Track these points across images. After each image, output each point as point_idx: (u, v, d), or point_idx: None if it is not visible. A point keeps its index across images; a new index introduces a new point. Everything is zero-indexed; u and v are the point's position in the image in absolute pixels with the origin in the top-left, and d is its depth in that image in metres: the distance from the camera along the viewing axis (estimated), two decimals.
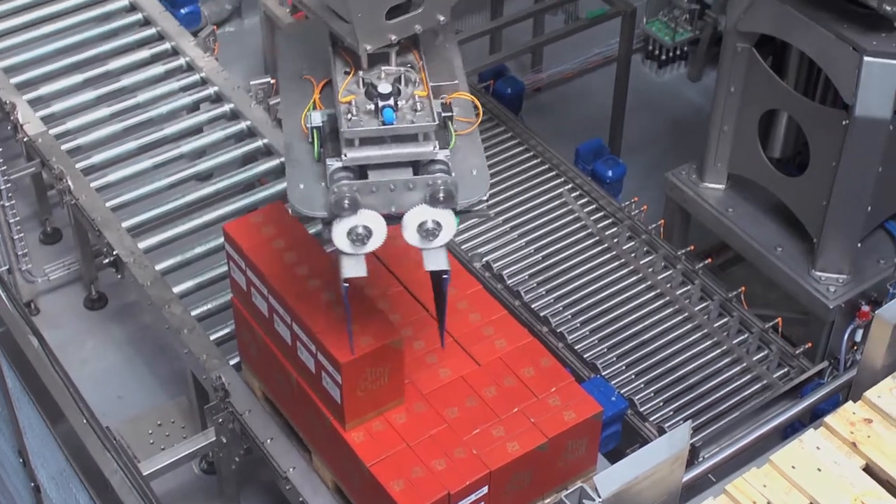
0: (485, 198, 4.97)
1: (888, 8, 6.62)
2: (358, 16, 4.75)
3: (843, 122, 6.87)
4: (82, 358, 7.94)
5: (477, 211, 4.99)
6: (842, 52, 6.81)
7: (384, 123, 4.75)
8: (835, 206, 7.14)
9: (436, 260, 4.97)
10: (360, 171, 4.85)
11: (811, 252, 7.43)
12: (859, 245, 7.34)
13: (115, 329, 8.17)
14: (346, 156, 4.79)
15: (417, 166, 4.88)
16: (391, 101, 4.80)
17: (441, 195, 4.77)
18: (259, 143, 7.99)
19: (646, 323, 7.48)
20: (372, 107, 4.83)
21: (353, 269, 4.92)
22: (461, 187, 4.84)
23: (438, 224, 4.83)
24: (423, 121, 4.83)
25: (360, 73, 4.97)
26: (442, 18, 4.94)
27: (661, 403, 7.09)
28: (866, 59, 6.72)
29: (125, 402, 7.69)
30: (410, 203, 4.81)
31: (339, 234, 4.82)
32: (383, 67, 4.99)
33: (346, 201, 4.74)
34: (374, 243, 4.88)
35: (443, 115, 4.94)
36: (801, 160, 7.57)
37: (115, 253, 7.22)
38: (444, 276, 5.13)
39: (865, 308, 7.29)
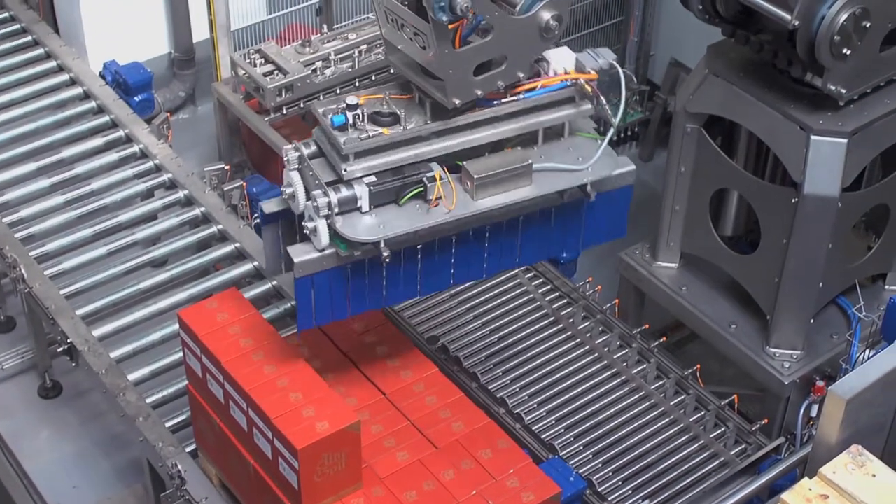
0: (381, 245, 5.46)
1: (833, 87, 6.73)
2: (449, 72, 5.27)
3: (793, 200, 6.96)
4: (37, 448, 7.85)
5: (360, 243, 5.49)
6: (789, 131, 6.92)
7: (330, 123, 5.41)
8: (787, 282, 7.21)
9: (299, 251, 5.53)
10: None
11: (765, 329, 7.48)
12: (812, 321, 7.40)
13: (70, 418, 8.09)
14: (315, 131, 5.61)
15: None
16: (349, 114, 5.39)
17: (315, 205, 5.38)
18: (213, 228, 7.99)
19: (603, 402, 7.48)
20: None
21: (272, 206, 5.76)
22: (349, 225, 5.42)
23: (315, 229, 5.44)
24: (347, 145, 5.35)
25: (388, 94, 5.57)
26: (521, 75, 5.46)
27: (620, 483, 7.08)
28: (813, 137, 6.82)
29: (80, 492, 7.60)
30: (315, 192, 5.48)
31: (286, 177, 5.60)
32: (393, 95, 5.51)
33: (297, 157, 5.56)
34: (295, 206, 5.56)
35: (412, 176, 5.45)
36: (753, 238, 7.64)
37: (69, 341, 7.17)
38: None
39: (820, 383, 7.33)
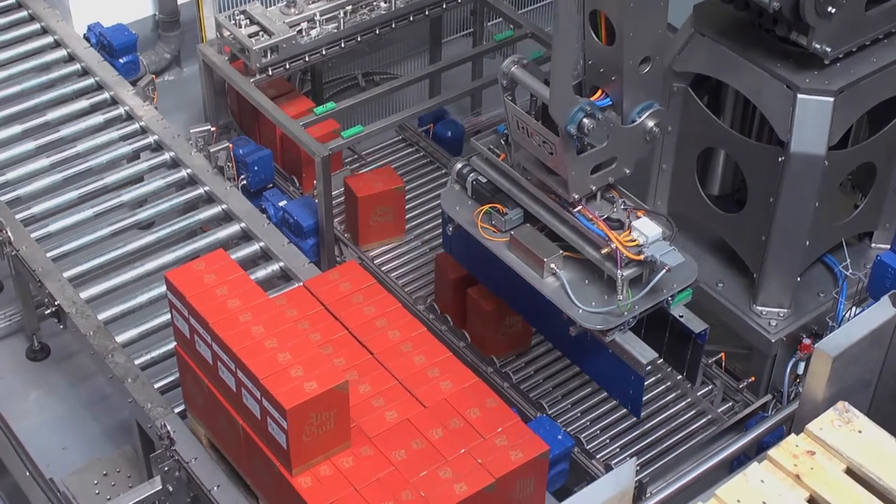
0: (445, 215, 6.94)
1: (818, 46, 6.72)
2: (572, 174, 6.22)
3: (780, 159, 6.96)
4: (25, 410, 7.87)
5: None
6: (776, 89, 6.91)
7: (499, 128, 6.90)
8: (774, 241, 7.22)
9: (449, 191, 7.04)
10: None
11: (752, 287, 7.50)
12: (799, 279, 7.42)
13: (59, 380, 8.11)
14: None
15: None
16: (504, 141, 6.74)
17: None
18: (200, 190, 7.98)
19: None
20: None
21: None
22: (450, 192, 6.99)
23: None
24: (476, 144, 6.84)
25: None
26: (627, 171, 6.43)
27: (608, 440, 7.12)
28: (800, 96, 6.83)
29: (70, 453, 7.62)
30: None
31: None
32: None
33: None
34: None
35: (497, 200, 6.70)
36: (740, 197, 7.65)
37: (56, 303, 7.17)
38: None
39: (807, 341, 7.37)
